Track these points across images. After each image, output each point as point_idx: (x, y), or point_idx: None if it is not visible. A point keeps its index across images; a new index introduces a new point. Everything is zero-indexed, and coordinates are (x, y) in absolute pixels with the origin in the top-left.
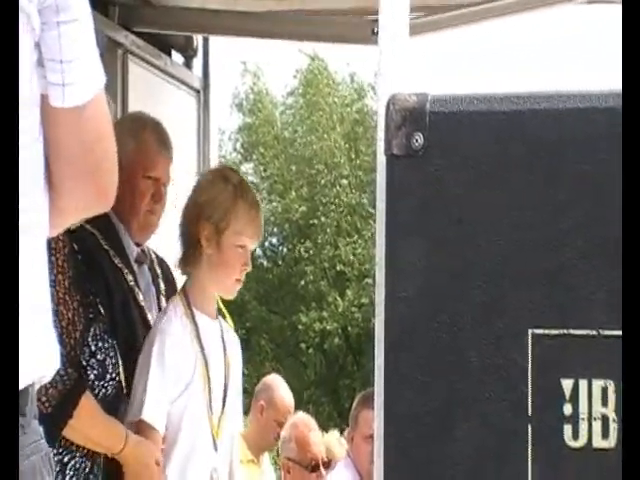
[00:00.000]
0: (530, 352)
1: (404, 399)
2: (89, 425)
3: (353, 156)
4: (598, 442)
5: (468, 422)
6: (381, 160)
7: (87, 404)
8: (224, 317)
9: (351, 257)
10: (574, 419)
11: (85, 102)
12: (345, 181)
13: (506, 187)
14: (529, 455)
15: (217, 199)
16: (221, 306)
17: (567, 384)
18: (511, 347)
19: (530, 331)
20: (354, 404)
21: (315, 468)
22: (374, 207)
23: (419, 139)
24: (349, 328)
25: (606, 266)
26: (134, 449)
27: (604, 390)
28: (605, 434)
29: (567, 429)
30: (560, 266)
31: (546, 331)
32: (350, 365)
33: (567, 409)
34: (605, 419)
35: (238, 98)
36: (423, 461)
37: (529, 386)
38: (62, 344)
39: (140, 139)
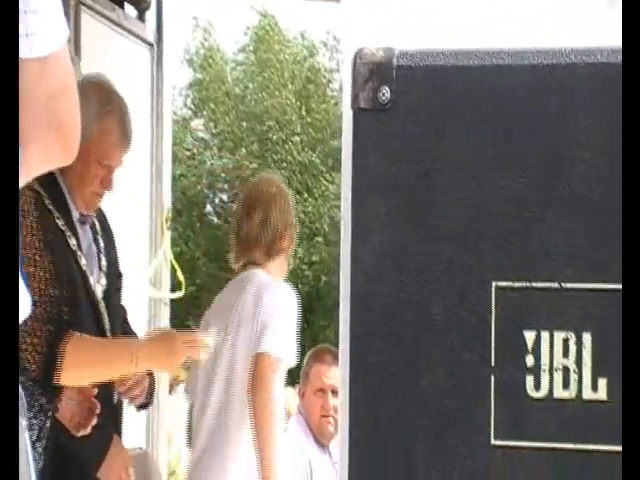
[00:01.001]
0: (494, 305)
1: (370, 350)
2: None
3: (304, 114)
4: (559, 392)
5: (432, 373)
6: (347, 114)
7: (75, 338)
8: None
9: (302, 215)
10: (536, 370)
11: (49, 53)
12: (297, 138)
13: (473, 141)
14: (492, 405)
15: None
16: (174, 262)
17: (529, 336)
18: (475, 300)
19: (494, 284)
20: (305, 360)
21: None
22: (325, 165)
23: (386, 93)
24: (299, 286)
25: (568, 221)
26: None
27: (565, 342)
28: (566, 385)
29: (529, 380)
30: (524, 220)
31: (509, 284)
32: (301, 322)
33: (529, 360)
34: (566, 370)
35: (189, 54)
36: (388, 411)
37: (492, 338)
38: (39, 304)
39: (104, 127)
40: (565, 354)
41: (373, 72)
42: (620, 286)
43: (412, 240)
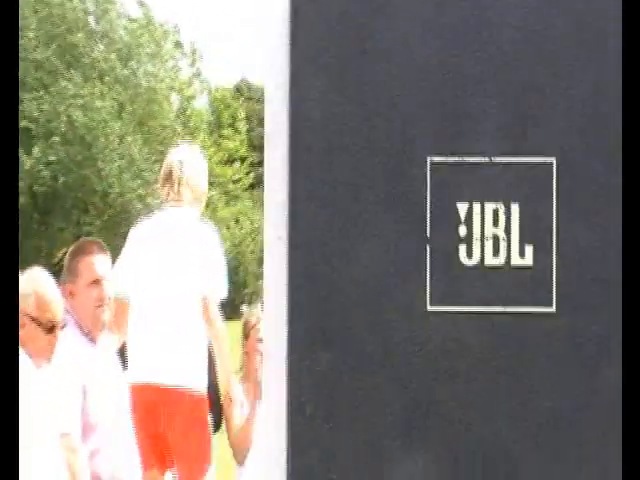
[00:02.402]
0: (429, 179)
1: (308, 212)
2: None
3: (38, 7)
4: (489, 260)
5: (370, 243)
6: None
7: None
8: None
9: (37, 114)
10: (468, 239)
11: None
12: (31, 34)
13: (407, 18)
14: (427, 273)
15: None
16: None
17: (462, 207)
18: (411, 174)
19: (429, 159)
20: (68, 255)
21: (51, 329)
22: (62, 62)
23: None
24: (35, 187)
25: (497, 100)
26: None
27: (495, 212)
28: (496, 252)
29: (462, 249)
30: (456, 99)
31: (443, 159)
32: (37, 224)
33: (462, 230)
34: (496, 239)
35: None
36: (326, 282)
37: (427, 210)
38: None
39: None
40: (495, 224)
41: None
42: (547, 159)
43: (349, 112)
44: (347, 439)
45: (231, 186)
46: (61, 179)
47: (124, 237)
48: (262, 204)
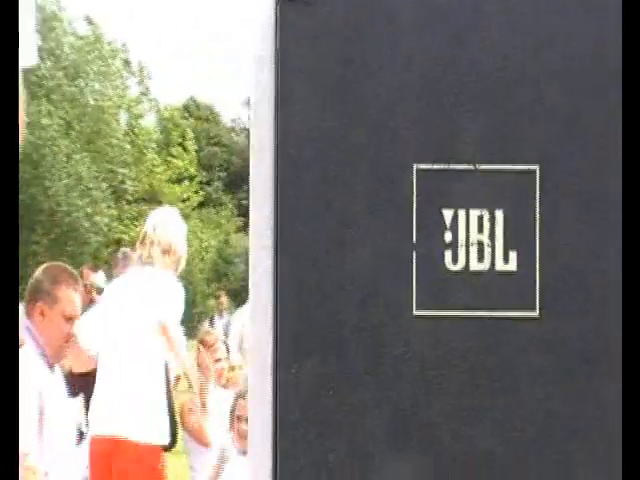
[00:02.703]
0: (415, 185)
1: (295, 220)
2: None
3: None
4: (474, 265)
5: (357, 250)
6: (271, 5)
7: None
8: None
9: None
10: (454, 245)
11: None
12: None
13: (395, 28)
14: (413, 279)
15: None
16: None
17: (447, 214)
18: (398, 181)
19: (415, 166)
20: (48, 276)
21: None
22: None
23: None
24: None
25: (482, 109)
26: None
27: (480, 219)
28: (480, 258)
29: (447, 254)
30: (441, 107)
31: (429, 166)
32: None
33: (447, 236)
34: (480, 244)
35: None
36: (315, 285)
37: (414, 216)
38: None
39: None
40: (480, 230)
41: None
42: (531, 167)
43: (337, 124)
44: (334, 445)
45: (180, 205)
46: None
47: (71, 256)
48: (210, 223)
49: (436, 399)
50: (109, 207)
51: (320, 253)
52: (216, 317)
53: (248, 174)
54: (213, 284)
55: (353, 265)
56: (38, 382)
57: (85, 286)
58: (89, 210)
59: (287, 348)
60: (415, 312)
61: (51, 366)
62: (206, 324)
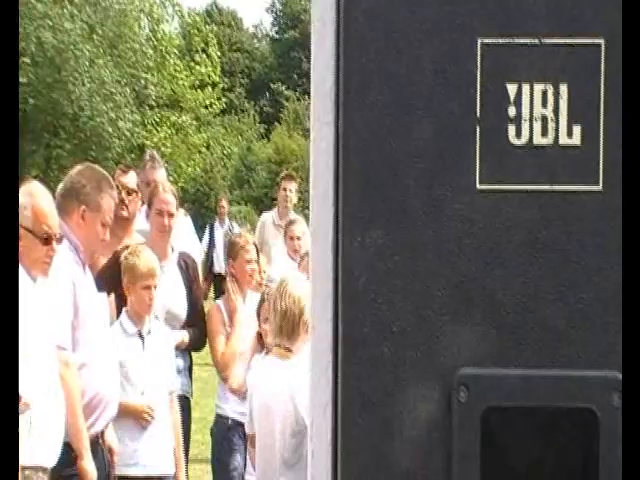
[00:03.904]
0: (479, 60)
1: (360, 95)
2: None
3: None
4: (538, 139)
5: (422, 123)
6: None
7: None
8: None
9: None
10: (517, 120)
11: None
12: None
13: None
14: (477, 153)
15: None
16: None
17: (512, 88)
18: (462, 56)
19: (479, 40)
20: (94, 181)
21: (47, 241)
22: None
23: None
24: None
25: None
26: None
27: (544, 93)
28: (544, 132)
29: (511, 129)
30: None
31: (493, 40)
32: None
33: (511, 111)
34: (544, 119)
35: None
36: (378, 161)
37: (478, 91)
38: None
39: None
40: (544, 104)
41: None
42: (597, 40)
43: (401, 2)
44: (399, 313)
45: (202, 111)
46: (31, 102)
47: (94, 161)
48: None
49: (498, 271)
50: (132, 112)
51: (384, 128)
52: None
53: (270, 81)
54: (235, 191)
55: (417, 140)
56: (74, 279)
57: (117, 187)
58: (112, 115)
59: (352, 221)
60: (478, 186)
61: (83, 265)
62: (236, 227)
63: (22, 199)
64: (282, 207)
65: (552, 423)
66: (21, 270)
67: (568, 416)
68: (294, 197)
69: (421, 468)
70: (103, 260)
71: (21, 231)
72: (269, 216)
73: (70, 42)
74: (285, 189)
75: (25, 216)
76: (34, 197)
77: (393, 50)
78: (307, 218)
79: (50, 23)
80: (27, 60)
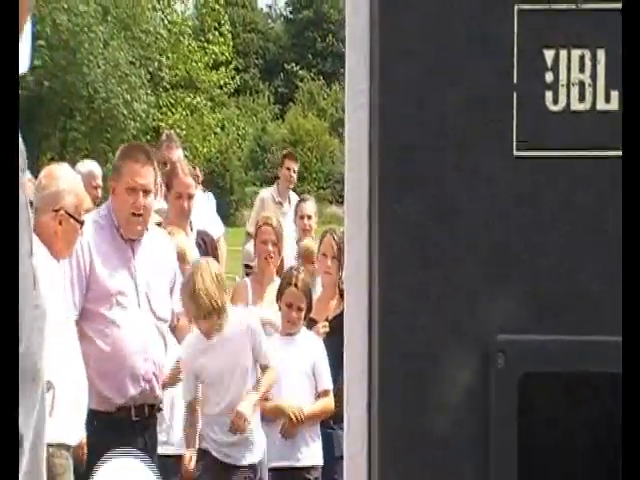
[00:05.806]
0: (516, 26)
1: (395, 63)
2: None
3: None
4: (575, 105)
5: (458, 89)
6: None
7: None
8: None
9: None
10: (554, 85)
11: None
12: None
13: None
14: (514, 119)
15: None
16: None
17: (549, 54)
18: (500, 21)
19: (516, 6)
20: (117, 155)
21: (82, 224)
22: None
23: None
24: (20, 91)
25: None
26: None
27: (581, 58)
28: (581, 98)
29: (548, 95)
30: None
31: (530, 6)
32: (21, 129)
33: (548, 77)
34: (582, 85)
35: None
36: (413, 126)
37: (515, 57)
38: None
39: None
40: (581, 70)
41: None
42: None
43: None
44: (435, 279)
45: (217, 91)
46: (46, 84)
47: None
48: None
49: (534, 237)
50: (147, 94)
51: (420, 92)
52: None
53: (284, 61)
54: (250, 172)
55: (454, 105)
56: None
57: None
58: (127, 97)
59: (386, 186)
60: (515, 153)
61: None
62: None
63: (63, 184)
64: (284, 185)
65: (589, 389)
66: (44, 252)
67: (605, 382)
68: (295, 177)
69: (458, 435)
70: None
71: (61, 215)
72: (268, 192)
73: (84, 24)
74: (289, 168)
75: (68, 201)
76: (74, 183)
77: (426, 15)
78: (303, 200)
79: (65, 6)
80: (42, 43)
